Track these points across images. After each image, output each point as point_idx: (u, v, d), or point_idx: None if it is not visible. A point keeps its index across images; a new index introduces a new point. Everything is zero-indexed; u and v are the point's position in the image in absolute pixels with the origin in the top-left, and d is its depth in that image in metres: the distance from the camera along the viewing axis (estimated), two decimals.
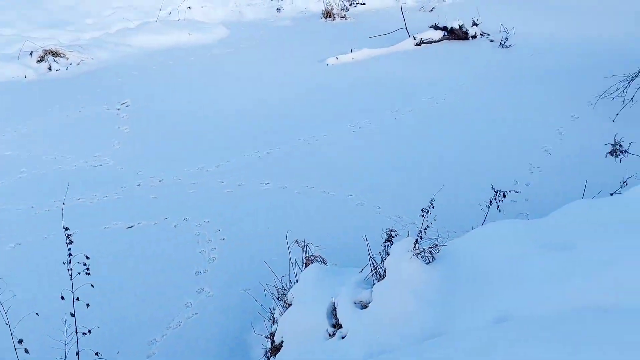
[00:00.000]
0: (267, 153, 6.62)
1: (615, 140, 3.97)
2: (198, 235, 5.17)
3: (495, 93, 7.83)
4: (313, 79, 8.73)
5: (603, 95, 7.09)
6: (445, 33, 9.81)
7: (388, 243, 3.51)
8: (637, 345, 2.20)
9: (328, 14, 11.90)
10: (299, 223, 5.20)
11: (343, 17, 11.93)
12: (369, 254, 3.44)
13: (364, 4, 12.64)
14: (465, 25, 9.78)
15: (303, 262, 3.86)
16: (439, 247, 3.37)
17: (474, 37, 9.79)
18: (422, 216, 3.49)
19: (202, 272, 4.69)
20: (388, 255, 3.32)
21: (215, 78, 8.98)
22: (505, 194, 4.33)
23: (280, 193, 5.77)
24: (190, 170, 6.28)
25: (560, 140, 6.48)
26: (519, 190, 5.41)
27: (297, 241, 3.89)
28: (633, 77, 7.01)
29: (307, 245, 3.87)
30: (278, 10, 12.66)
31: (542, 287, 2.87)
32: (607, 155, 4.00)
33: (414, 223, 5.02)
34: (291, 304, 3.59)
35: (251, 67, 9.44)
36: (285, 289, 3.81)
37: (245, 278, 4.51)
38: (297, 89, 8.41)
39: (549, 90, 7.77)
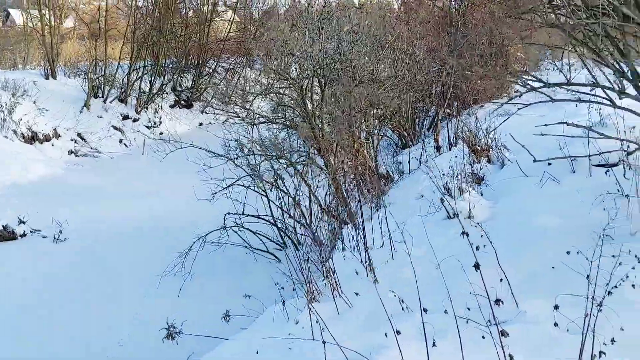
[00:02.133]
0: None
1: (168, 323, 3.85)
2: None
3: (55, 296, 7.03)
4: None
5: (164, 273, 7.20)
6: None
7: None
8: None
9: None
10: None
11: None
12: None
13: None
14: (11, 225, 8.83)
15: None
16: None
17: (23, 235, 8.89)
18: None
19: None
20: None
21: None
22: None
23: None
24: None
25: (135, 326, 6.17)
26: None
27: None
28: (186, 253, 7.40)
29: None
30: None
31: None
32: (164, 340, 3.83)
33: None
34: None
35: None
36: None
37: None
38: None
39: (115, 278, 7.48)
